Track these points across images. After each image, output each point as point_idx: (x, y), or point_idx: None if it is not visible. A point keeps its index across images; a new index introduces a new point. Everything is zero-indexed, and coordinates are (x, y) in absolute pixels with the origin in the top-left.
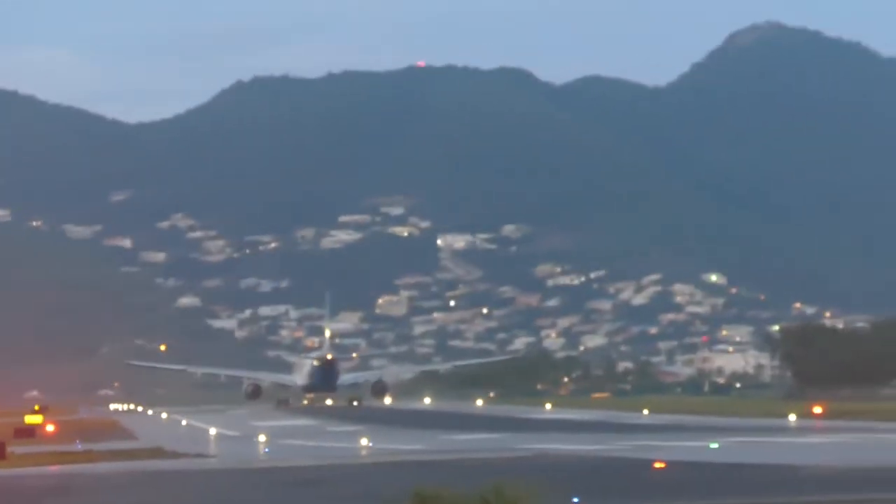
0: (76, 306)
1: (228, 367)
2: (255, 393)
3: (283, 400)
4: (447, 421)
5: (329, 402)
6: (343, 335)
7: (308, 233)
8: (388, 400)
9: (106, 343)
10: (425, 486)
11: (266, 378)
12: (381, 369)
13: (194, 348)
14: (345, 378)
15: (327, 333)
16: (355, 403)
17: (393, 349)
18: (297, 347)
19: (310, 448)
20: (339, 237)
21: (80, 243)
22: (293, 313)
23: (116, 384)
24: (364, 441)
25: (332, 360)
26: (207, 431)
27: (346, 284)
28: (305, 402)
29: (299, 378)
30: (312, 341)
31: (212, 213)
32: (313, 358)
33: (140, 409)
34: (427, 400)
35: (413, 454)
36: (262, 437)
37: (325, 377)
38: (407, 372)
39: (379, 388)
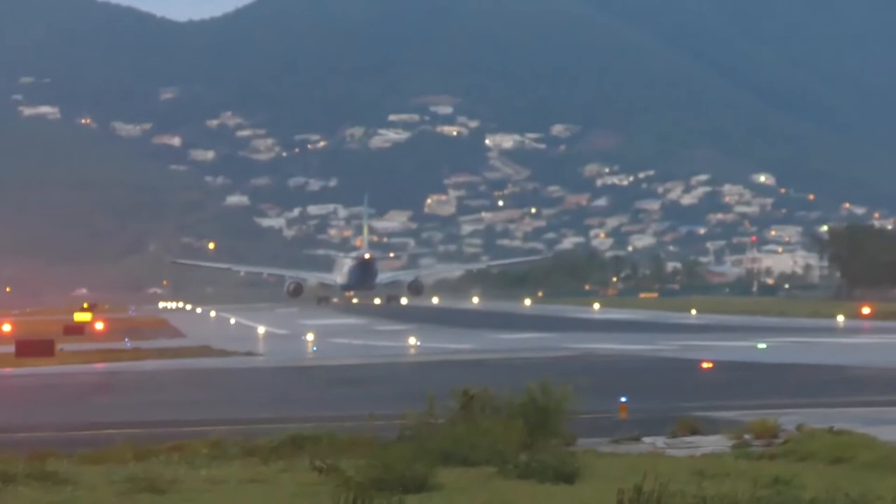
0: (124, 204)
1: (275, 266)
2: (297, 291)
3: (324, 298)
4: (495, 320)
5: (377, 300)
6: (391, 234)
7: (356, 132)
8: (435, 299)
9: (154, 241)
10: (472, 383)
11: (307, 277)
12: (429, 268)
13: (242, 247)
14: (382, 277)
15: (365, 232)
16: (403, 301)
17: (441, 248)
18: (345, 247)
19: (357, 347)
20: (388, 136)
21: (129, 141)
22: (341, 212)
23: (165, 282)
24: (412, 340)
25: (369, 259)
26: (255, 330)
27: (395, 184)
28: (355, 300)
29: (339, 276)
30: (360, 240)
31: (260, 111)
32: (352, 257)
33: (188, 307)
34: (475, 299)
35: (460, 353)
36: (309, 336)
37: (363, 275)
38: (454, 270)
39: (415, 287)
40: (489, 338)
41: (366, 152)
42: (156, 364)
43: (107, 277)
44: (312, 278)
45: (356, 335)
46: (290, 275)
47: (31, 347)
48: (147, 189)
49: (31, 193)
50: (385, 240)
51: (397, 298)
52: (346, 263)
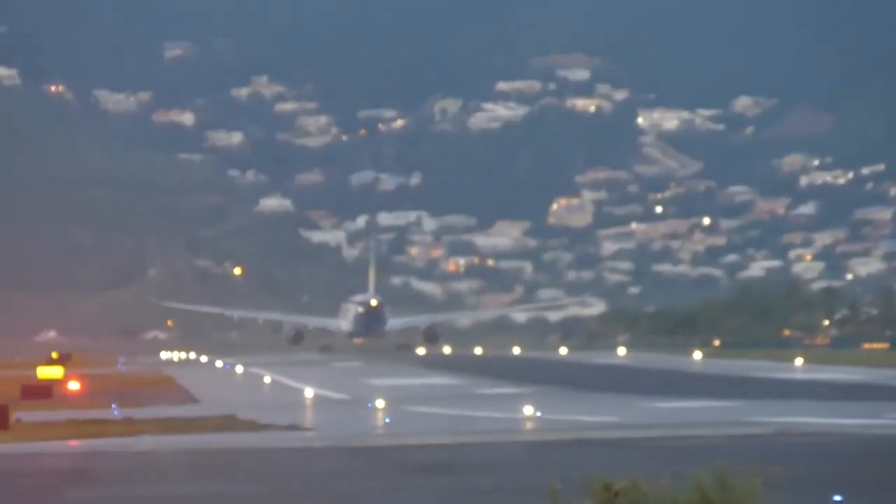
0: (112, 210)
1: (287, 309)
2: (298, 338)
3: (327, 346)
4: (648, 381)
5: (479, 350)
6: (500, 255)
7: (449, 106)
8: (563, 350)
9: (155, 263)
10: (615, 474)
11: (308, 322)
12: (557, 304)
13: (282, 273)
14: (393, 323)
15: (372, 276)
16: (423, 350)
17: (570, 275)
18: (431, 272)
19: (450, 418)
20: (495, 113)
21: (119, 119)
22: (427, 222)
23: (169, 323)
24: (528, 409)
25: (377, 306)
26: (302, 392)
27: (505, 182)
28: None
29: (344, 322)
30: (455, 263)
31: (309, 76)
32: (357, 302)
33: (204, 359)
34: (621, 350)
35: (597, 429)
36: (380, 402)
37: (369, 323)
38: (591, 309)
39: (431, 335)
40: (640, 407)
41: (463, 136)
42: (156, 442)
43: (86, 315)
44: (313, 324)
45: (448, 401)
46: (288, 320)
47: None
48: (145, 188)
49: None
50: (490, 263)
51: (410, 347)
52: (351, 309)
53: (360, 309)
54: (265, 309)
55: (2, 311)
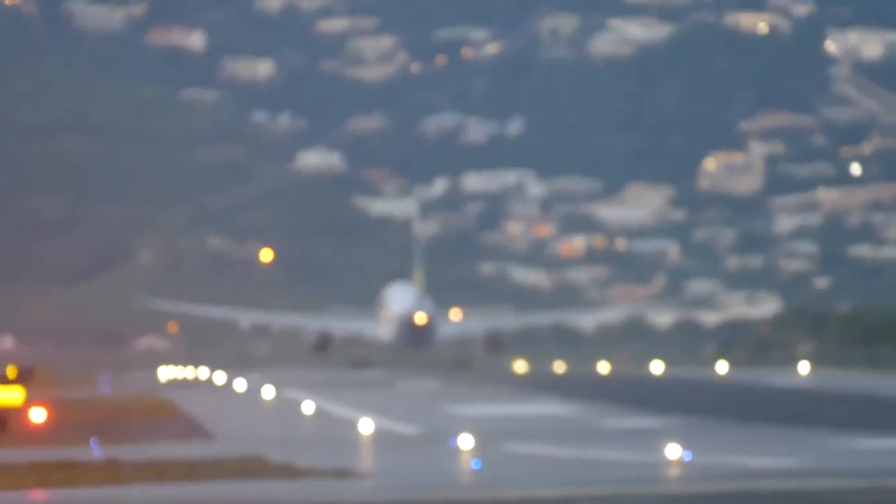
0: (89, 168)
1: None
2: (324, 344)
3: (360, 360)
4: (843, 410)
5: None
6: (633, 231)
7: (563, 23)
8: (722, 366)
9: (150, 241)
10: None
11: (337, 326)
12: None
13: (328, 253)
14: (447, 330)
15: (419, 281)
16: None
17: (733, 261)
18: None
19: (563, 462)
20: (626, 32)
21: (100, 39)
22: (533, 186)
23: (171, 327)
24: (674, 449)
25: (426, 324)
26: (355, 425)
27: (639, 130)
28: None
29: (384, 329)
30: (568, 244)
31: None
32: (408, 312)
33: (219, 377)
34: (803, 366)
35: (773, 476)
36: (465, 439)
37: (417, 338)
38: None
39: (493, 342)
40: (829, 447)
41: (582, 66)
42: (152, 494)
43: (55, 315)
44: (343, 329)
45: (560, 438)
46: (311, 324)
47: None
48: (134, 137)
49: None
50: (620, 243)
51: (466, 363)
52: (396, 315)
53: (404, 321)
54: (299, 309)
55: None
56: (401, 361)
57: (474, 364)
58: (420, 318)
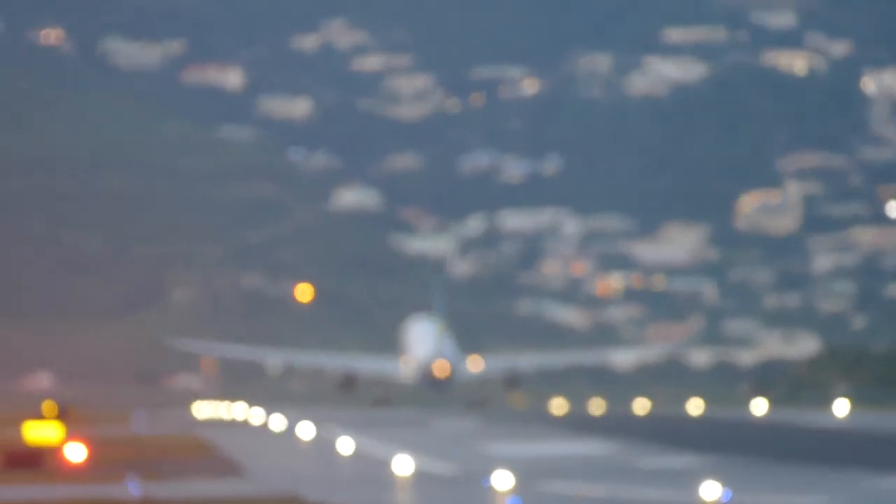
0: (125, 205)
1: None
2: (349, 384)
3: (381, 398)
4: (882, 451)
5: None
6: (670, 269)
7: (599, 63)
8: (760, 404)
9: (186, 278)
10: None
11: (360, 366)
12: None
13: (366, 289)
14: (467, 374)
15: (440, 334)
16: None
17: (770, 300)
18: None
19: (603, 501)
20: (662, 71)
21: (137, 77)
22: (569, 224)
23: (207, 365)
24: (712, 488)
25: (447, 378)
26: (389, 464)
27: (677, 168)
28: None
29: (408, 368)
30: (605, 283)
31: (401, 19)
32: (429, 361)
33: (255, 415)
34: (841, 405)
35: None
36: (502, 477)
37: (439, 385)
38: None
39: (512, 381)
40: (867, 488)
41: (618, 104)
42: None
43: (91, 352)
44: (366, 368)
45: (598, 477)
46: (336, 364)
47: None
48: (170, 174)
49: None
50: (657, 282)
51: (485, 402)
52: (417, 362)
53: (426, 369)
54: (334, 346)
55: None
56: (421, 399)
57: (493, 403)
58: (440, 369)
